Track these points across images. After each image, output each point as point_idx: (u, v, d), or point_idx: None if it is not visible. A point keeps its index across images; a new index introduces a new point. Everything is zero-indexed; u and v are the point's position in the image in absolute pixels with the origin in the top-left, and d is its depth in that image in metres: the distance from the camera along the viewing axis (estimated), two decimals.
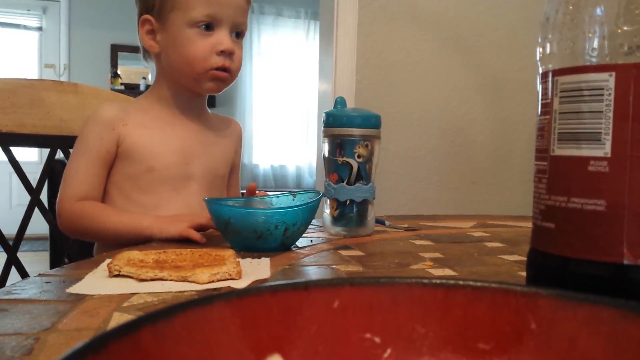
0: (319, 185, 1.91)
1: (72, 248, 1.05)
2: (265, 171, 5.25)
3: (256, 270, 0.53)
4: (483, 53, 1.97)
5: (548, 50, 0.38)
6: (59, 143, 1.04)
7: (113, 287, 0.46)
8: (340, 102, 0.82)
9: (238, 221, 0.62)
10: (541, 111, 0.38)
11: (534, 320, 0.25)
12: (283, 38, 5.22)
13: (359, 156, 0.77)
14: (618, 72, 0.33)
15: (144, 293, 0.44)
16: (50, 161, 1.06)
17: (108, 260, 0.52)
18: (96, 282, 0.48)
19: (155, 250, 0.56)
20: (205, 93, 0.91)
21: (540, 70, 0.39)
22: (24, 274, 0.98)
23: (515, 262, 0.61)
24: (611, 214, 0.34)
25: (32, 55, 4.76)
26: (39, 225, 1.09)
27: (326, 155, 0.79)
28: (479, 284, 0.26)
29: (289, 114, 5.28)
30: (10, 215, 3.30)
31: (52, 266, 1.13)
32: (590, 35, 0.35)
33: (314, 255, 0.62)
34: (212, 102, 4.60)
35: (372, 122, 0.78)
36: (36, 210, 1.02)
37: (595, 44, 0.34)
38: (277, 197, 0.77)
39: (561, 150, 0.36)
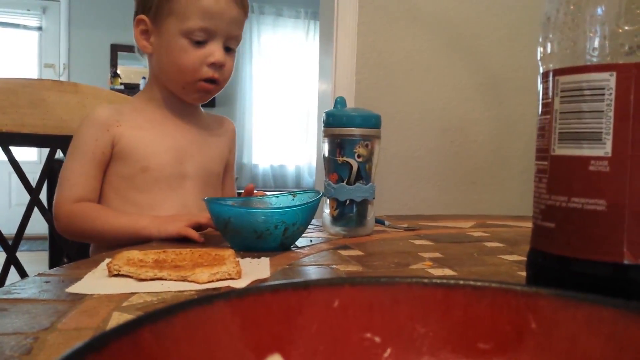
0: (319, 185, 1.91)
1: (71, 248, 1.05)
2: (264, 171, 5.25)
3: (256, 269, 0.53)
4: (483, 53, 1.97)
5: (549, 50, 0.38)
6: (58, 143, 1.04)
7: (112, 286, 0.46)
8: (340, 101, 0.82)
9: (238, 221, 0.62)
10: (542, 111, 0.38)
11: (534, 320, 0.25)
12: (283, 38, 5.22)
13: (358, 156, 0.77)
14: (619, 71, 0.33)
15: (144, 293, 0.44)
16: (50, 161, 1.06)
17: (107, 260, 0.52)
18: (95, 281, 0.47)
19: (155, 250, 0.56)
20: (190, 102, 0.92)
21: (541, 70, 0.39)
22: (23, 273, 0.98)
23: (515, 262, 0.61)
24: (612, 213, 0.34)
25: (32, 55, 4.76)
26: (38, 224, 1.09)
27: (326, 155, 0.79)
28: (479, 283, 0.26)
29: (288, 114, 5.28)
30: (9, 214, 3.31)
31: (51, 266, 1.13)
32: (591, 35, 0.35)
33: (314, 255, 0.62)
34: (212, 103, 4.60)
35: (372, 122, 0.78)
36: (35, 209, 1.02)
37: (596, 43, 0.34)
38: (277, 197, 0.77)
39: (562, 150, 0.36)
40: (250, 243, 0.63)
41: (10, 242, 0.98)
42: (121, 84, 4.72)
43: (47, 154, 1.06)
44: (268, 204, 0.76)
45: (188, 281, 0.47)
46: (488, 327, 0.25)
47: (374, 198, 0.79)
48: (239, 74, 4.98)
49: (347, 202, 0.77)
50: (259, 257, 0.58)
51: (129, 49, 4.61)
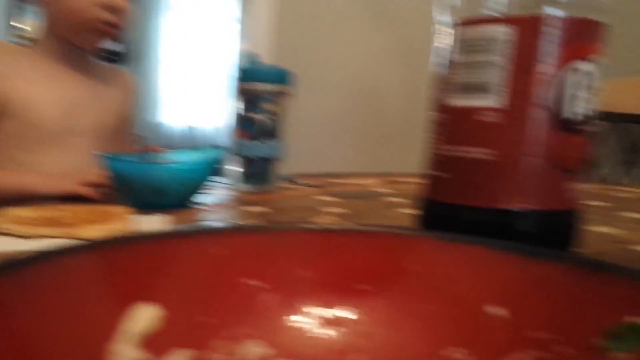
0: None
1: None
2: (180, 131, 5.08)
3: (151, 227, 0.50)
4: (400, 16, 1.99)
5: (452, 3, 0.38)
6: None
7: None
8: (251, 57, 0.79)
9: (134, 176, 0.59)
10: (439, 63, 0.39)
11: (414, 261, 0.26)
12: None
13: (267, 112, 0.75)
14: (515, 25, 0.34)
15: (29, 251, 0.41)
16: None
17: None
18: None
19: (42, 207, 0.52)
20: (89, 48, 0.86)
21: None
22: None
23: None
24: (499, 162, 0.35)
25: None
26: None
27: (237, 112, 0.77)
28: (360, 228, 0.26)
29: (206, 73, 5.11)
30: None
31: None
32: None
33: (217, 212, 0.61)
34: (121, 60, 4.35)
35: (282, 77, 0.77)
36: None
37: None
38: (177, 153, 0.74)
39: (454, 101, 0.37)
40: (148, 200, 0.60)
41: None
42: (23, 36, 4.35)
43: None
44: (167, 160, 0.73)
45: (75, 238, 0.44)
46: (370, 269, 0.26)
47: (283, 156, 0.78)
48: (150, 29, 4.74)
49: (255, 159, 0.76)
50: (157, 215, 0.56)
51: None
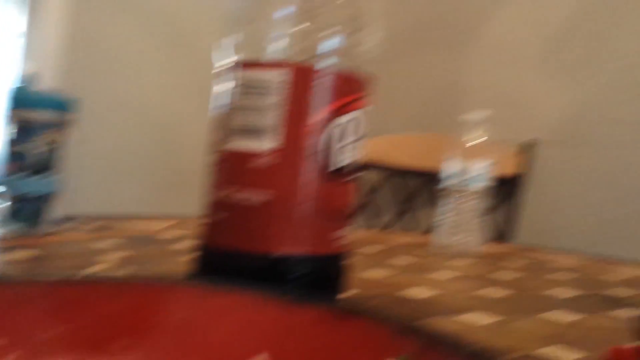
0: None
1: None
2: None
3: None
4: (198, 52, 1.99)
5: (235, 45, 0.39)
6: None
7: None
8: (27, 80, 0.72)
9: None
10: (218, 104, 0.39)
11: (174, 312, 0.25)
12: None
13: (43, 143, 0.69)
14: (290, 71, 0.36)
15: None
16: None
17: None
18: None
19: None
20: None
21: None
22: None
23: None
24: (271, 208, 0.36)
25: None
26: None
27: (8, 142, 0.69)
28: (117, 277, 0.25)
29: None
30: None
31: None
32: (270, 33, 0.37)
33: None
34: None
35: (62, 105, 0.71)
36: None
37: (275, 42, 0.37)
38: None
39: (231, 144, 0.38)
40: None
41: None
42: None
43: None
44: None
45: None
46: (126, 323, 0.24)
47: (60, 193, 0.71)
48: None
49: (26, 196, 0.68)
50: None
51: None
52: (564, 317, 0.54)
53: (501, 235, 1.75)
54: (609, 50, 1.69)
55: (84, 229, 0.78)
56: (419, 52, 2.20)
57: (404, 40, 2.25)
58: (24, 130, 0.68)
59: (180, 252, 0.67)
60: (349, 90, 0.37)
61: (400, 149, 1.93)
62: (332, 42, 0.36)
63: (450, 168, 1.00)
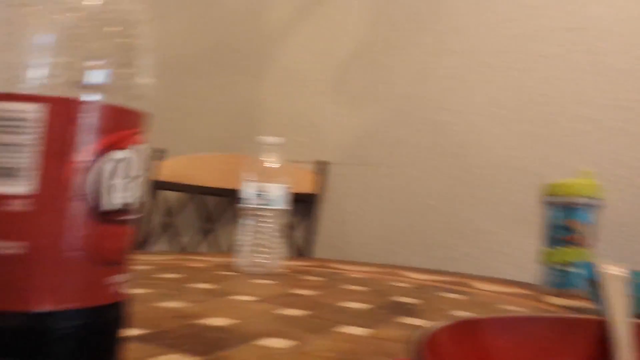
0: None
1: None
2: None
3: None
4: None
5: None
6: None
7: None
8: None
9: None
10: None
11: None
12: None
13: None
14: (49, 105, 0.31)
15: None
16: None
17: None
18: None
19: None
20: None
21: None
22: None
23: None
24: (30, 258, 0.31)
25: None
26: None
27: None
28: None
29: None
30: None
31: None
32: (25, 61, 0.32)
33: None
34: None
35: None
36: None
37: (31, 72, 0.32)
38: None
39: None
40: None
41: None
42: None
43: None
44: None
45: None
46: None
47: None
48: None
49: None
50: None
51: None
52: (358, 330, 0.58)
53: (300, 252, 1.82)
54: (387, 80, 1.88)
55: None
56: (220, 73, 2.20)
57: (206, 61, 2.23)
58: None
59: None
60: (121, 125, 0.33)
61: (201, 169, 1.90)
62: (99, 74, 0.32)
63: (249, 188, 1.00)
